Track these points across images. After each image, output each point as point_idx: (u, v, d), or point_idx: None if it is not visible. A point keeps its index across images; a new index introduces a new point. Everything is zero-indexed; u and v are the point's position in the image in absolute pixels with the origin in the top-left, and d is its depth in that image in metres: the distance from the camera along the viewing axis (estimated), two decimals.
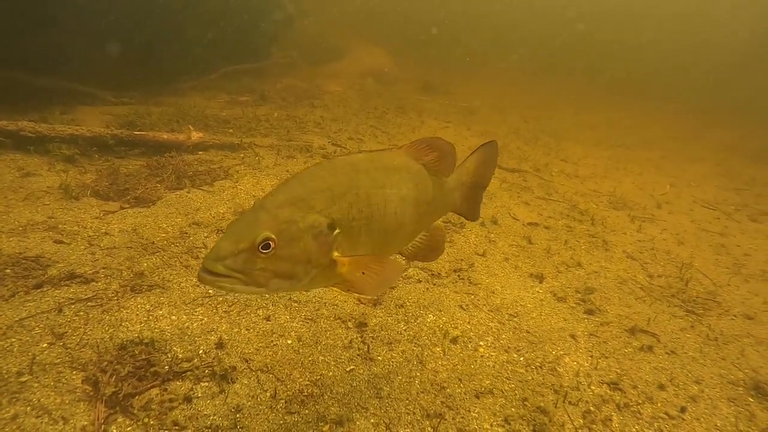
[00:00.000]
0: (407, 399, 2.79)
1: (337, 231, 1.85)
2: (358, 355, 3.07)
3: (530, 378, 3.10)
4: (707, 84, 24.05)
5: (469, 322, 3.54)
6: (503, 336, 3.47)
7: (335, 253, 1.87)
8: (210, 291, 3.40)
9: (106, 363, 2.65)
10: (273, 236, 1.70)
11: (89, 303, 3.08)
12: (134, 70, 8.29)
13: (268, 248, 1.69)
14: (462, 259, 4.46)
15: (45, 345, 2.70)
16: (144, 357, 2.74)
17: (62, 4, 6.79)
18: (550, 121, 12.59)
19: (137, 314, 3.04)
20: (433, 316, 3.55)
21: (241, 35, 10.44)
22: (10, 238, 3.62)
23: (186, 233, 4.10)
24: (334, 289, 2.10)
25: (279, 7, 11.57)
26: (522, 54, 22.66)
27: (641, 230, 6.03)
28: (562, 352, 3.39)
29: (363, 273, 1.88)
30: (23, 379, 2.46)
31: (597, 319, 3.90)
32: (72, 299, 3.08)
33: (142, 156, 5.57)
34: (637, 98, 19.77)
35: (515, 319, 3.70)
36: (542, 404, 2.87)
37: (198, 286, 3.43)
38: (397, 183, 2.10)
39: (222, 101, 9.02)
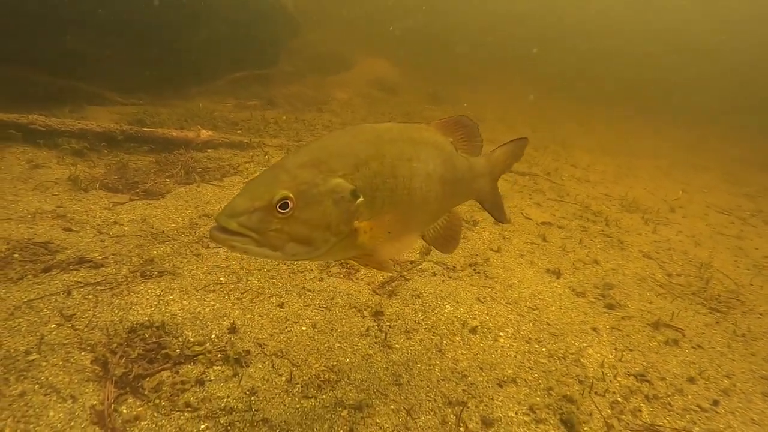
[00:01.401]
0: (428, 386, 2.67)
1: (359, 199, 1.76)
2: (375, 342, 2.96)
3: (554, 368, 2.98)
4: (710, 97, 24.09)
5: (487, 314, 3.43)
6: (523, 327, 3.35)
7: (356, 223, 1.77)
8: (221, 278, 3.30)
9: (115, 345, 2.55)
10: (291, 196, 1.60)
11: (98, 287, 2.99)
12: (143, 74, 8.27)
13: (286, 208, 1.60)
14: (477, 254, 4.35)
15: (53, 326, 2.60)
16: (155, 340, 2.64)
17: (77, 8, 6.80)
18: (558, 129, 12.54)
19: (147, 298, 2.94)
20: (451, 306, 3.44)
21: (249, 43, 10.45)
22: (19, 225, 3.54)
23: (196, 224, 4.02)
24: (352, 261, 2.01)
25: (286, 16, 11.60)
26: (527, 67, 22.77)
27: (656, 232, 5.92)
28: (585, 344, 3.27)
29: (389, 233, 1.79)
30: (31, 357, 2.36)
31: (618, 313, 3.78)
32: (81, 283, 2.99)
33: (150, 152, 5.52)
34: (640, 110, 19.77)
35: (534, 312, 3.58)
36: (568, 393, 2.75)
37: (209, 273, 3.34)
38: (425, 157, 2.00)
39: (230, 105, 9.01)
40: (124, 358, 2.48)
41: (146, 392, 2.32)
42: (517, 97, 17.22)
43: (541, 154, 9.34)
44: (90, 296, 2.89)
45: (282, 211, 1.60)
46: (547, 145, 10.32)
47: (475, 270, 4.10)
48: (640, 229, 5.94)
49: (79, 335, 2.57)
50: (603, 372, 3.01)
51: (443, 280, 3.82)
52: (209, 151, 5.90)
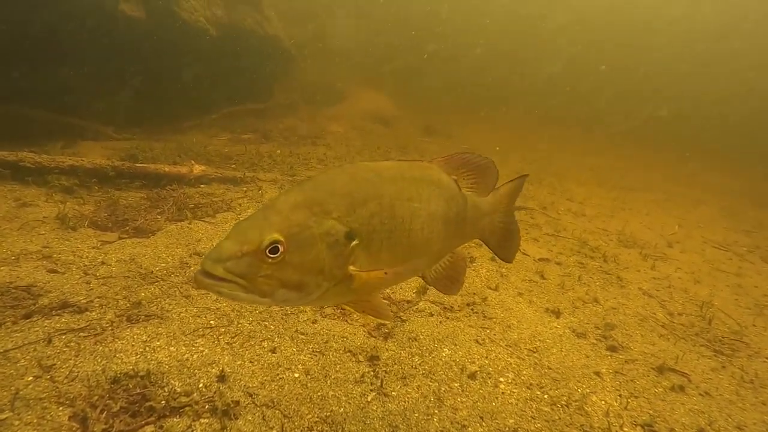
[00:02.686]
0: None
1: (355, 242, 1.67)
2: (370, 390, 2.82)
3: (557, 417, 2.85)
4: (702, 131, 24.45)
5: (486, 357, 3.31)
6: (524, 372, 3.23)
7: (351, 267, 1.68)
8: (212, 321, 3.18)
9: (97, 397, 2.41)
10: (282, 239, 1.52)
11: (81, 333, 2.86)
12: (137, 109, 8.27)
13: (276, 252, 1.51)
14: (474, 293, 4.25)
15: (30, 378, 2.47)
16: (139, 391, 2.51)
17: (71, 44, 6.83)
18: (552, 163, 12.61)
19: (133, 345, 2.81)
20: (449, 350, 3.32)
21: (244, 77, 10.53)
22: (1, 267, 3.43)
23: (187, 263, 3.91)
24: (347, 307, 1.90)
25: (280, 49, 11.72)
26: (519, 101, 23.09)
27: (655, 268, 5.84)
28: (588, 390, 3.15)
29: (387, 278, 1.70)
30: (3, 416, 2.22)
31: (621, 356, 3.66)
32: (63, 329, 2.86)
33: (142, 188, 5.44)
34: (633, 144, 19.99)
35: (535, 355, 3.47)
36: None
37: (199, 316, 3.22)
38: (427, 197, 1.92)
39: (224, 139, 9.00)
40: (105, 413, 2.34)
41: None
42: (512, 131, 17.39)
43: (537, 188, 9.33)
44: (72, 344, 2.75)
45: (272, 255, 1.51)
46: (542, 178, 10.33)
47: (473, 310, 3.99)
48: (639, 266, 5.86)
49: (57, 388, 2.43)
50: (608, 422, 2.88)
51: (441, 321, 3.71)
52: (202, 186, 5.83)
